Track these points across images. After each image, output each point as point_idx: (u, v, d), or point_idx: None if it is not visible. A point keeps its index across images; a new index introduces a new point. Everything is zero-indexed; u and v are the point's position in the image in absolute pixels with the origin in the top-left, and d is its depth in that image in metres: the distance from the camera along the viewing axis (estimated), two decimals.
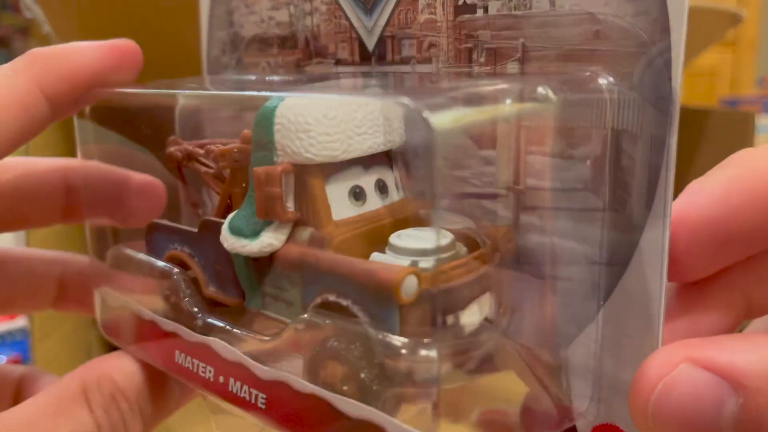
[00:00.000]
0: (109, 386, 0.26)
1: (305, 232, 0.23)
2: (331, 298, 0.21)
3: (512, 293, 0.23)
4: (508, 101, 0.20)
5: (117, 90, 0.28)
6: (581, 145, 0.22)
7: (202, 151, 0.28)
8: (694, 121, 0.47)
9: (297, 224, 0.23)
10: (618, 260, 0.22)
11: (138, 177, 0.31)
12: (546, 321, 0.24)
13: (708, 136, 0.45)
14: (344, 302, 0.21)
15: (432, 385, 0.19)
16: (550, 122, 0.22)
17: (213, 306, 0.27)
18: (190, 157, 0.29)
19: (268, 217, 0.22)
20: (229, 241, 0.23)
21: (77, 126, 0.29)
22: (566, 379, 0.24)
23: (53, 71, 0.26)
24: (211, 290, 0.26)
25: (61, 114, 0.28)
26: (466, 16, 0.24)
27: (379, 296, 0.20)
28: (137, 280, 0.29)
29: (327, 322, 0.21)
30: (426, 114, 0.17)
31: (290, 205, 0.23)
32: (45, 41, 0.46)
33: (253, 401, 0.23)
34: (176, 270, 0.27)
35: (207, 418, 0.29)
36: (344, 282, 0.21)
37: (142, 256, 0.29)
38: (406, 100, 0.17)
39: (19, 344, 0.59)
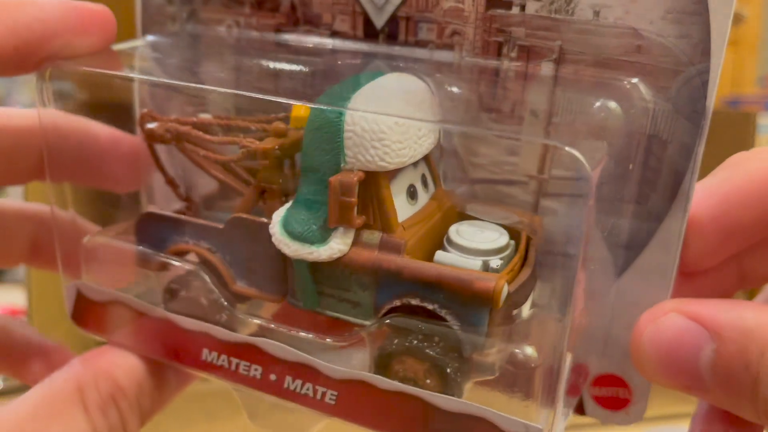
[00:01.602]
0: (108, 385, 0.25)
1: (373, 236, 0.23)
2: (414, 302, 0.22)
3: (550, 276, 0.26)
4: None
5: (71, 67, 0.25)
6: (615, 143, 0.25)
7: (206, 136, 0.26)
8: None
9: (361, 228, 0.23)
10: (636, 244, 0.26)
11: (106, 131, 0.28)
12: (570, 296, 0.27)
13: (709, 135, 0.46)
14: (430, 306, 0.22)
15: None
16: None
17: (237, 302, 0.26)
18: (178, 136, 0.26)
19: (339, 224, 0.22)
20: (291, 247, 0.23)
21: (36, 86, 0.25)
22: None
23: (2, 21, 0.23)
24: (240, 286, 0.25)
25: (6, 70, 0.24)
26: (499, 11, 0.25)
27: (475, 302, 0.22)
28: (131, 273, 0.27)
29: (409, 322, 0.22)
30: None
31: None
32: None
33: (319, 398, 0.24)
34: (194, 263, 0.26)
35: (206, 418, 0.29)
36: (432, 288, 0.22)
37: (139, 247, 0.27)
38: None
39: None
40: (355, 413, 0.23)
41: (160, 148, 0.28)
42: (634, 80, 0.24)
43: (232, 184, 0.26)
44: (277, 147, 0.24)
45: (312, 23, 0.28)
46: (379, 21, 0.27)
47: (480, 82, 0.26)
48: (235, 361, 0.25)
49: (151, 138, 0.27)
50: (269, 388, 0.25)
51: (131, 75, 0.27)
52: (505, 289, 0.21)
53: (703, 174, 0.25)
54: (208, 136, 0.26)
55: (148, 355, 0.26)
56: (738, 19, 0.47)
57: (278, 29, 0.29)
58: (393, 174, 0.23)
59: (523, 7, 0.25)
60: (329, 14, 0.28)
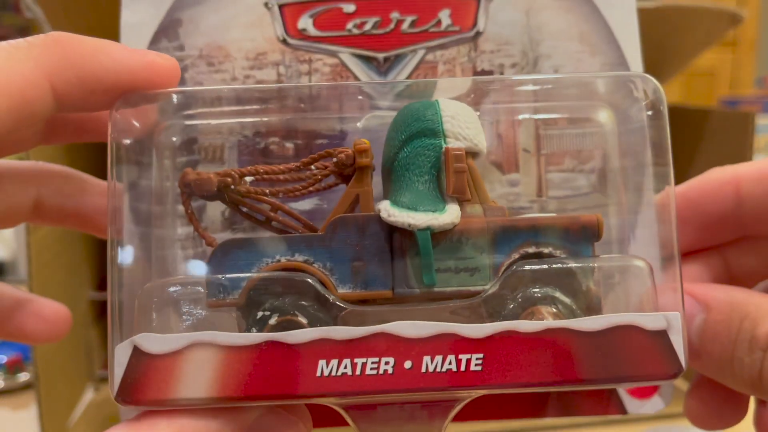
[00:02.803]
0: None
1: (476, 207, 0.26)
2: (531, 249, 0.25)
3: None
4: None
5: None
6: (589, 161, 0.32)
7: (279, 167, 0.27)
8: (693, 120, 0.49)
9: (463, 203, 0.26)
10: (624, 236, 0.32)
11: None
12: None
13: (708, 136, 0.46)
14: (546, 249, 0.25)
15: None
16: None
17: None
18: (241, 176, 0.27)
19: (457, 192, 0.25)
20: (415, 218, 0.24)
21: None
22: None
23: (71, 66, 0.23)
24: (343, 292, 0.25)
25: (68, 109, 0.24)
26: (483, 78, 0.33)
27: (583, 235, 0.25)
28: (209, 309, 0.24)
29: (525, 269, 0.25)
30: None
31: None
32: None
33: (463, 368, 0.23)
34: (298, 274, 0.25)
35: None
36: (545, 232, 0.25)
37: (219, 277, 0.25)
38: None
39: (19, 344, 0.60)
40: (505, 371, 0.23)
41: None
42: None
43: (288, 226, 0.27)
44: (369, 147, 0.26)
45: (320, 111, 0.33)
46: (384, 103, 0.33)
47: None
48: (360, 361, 0.23)
49: (201, 189, 0.27)
50: (405, 382, 0.23)
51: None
52: (603, 222, 0.26)
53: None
54: (279, 167, 0.27)
55: (244, 401, 0.23)
56: (736, 20, 0.49)
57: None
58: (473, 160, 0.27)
59: (501, 74, 0.33)
60: (337, 103, 0.33)
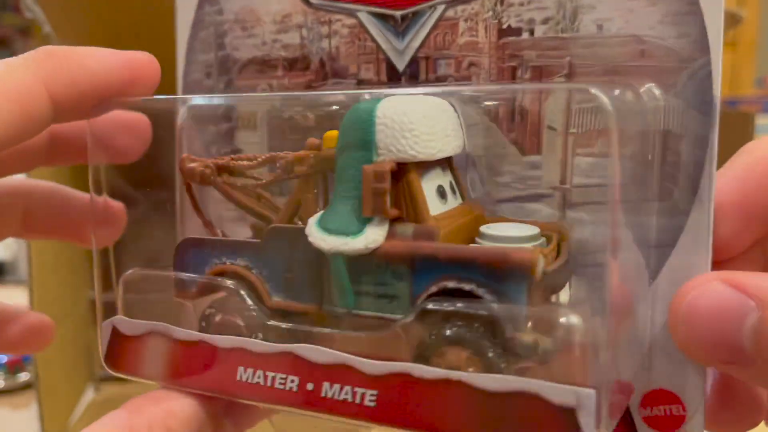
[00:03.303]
0: None
1: (407, 227, 0.23)
2: (451, 284, 0.22)
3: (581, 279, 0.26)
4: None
5: (131, 101, 0.27)
6: (630, 144, 0.26)
7: (246, 162, 0.27)
8: None
9: (393, 222, 0.24)
10: (666, 243, 0.26)
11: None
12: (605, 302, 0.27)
13: None
14: (467, 286, 0.22)
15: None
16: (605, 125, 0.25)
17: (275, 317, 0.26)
18: (218, 169, 0.28)
19: (374, 213, 0.23)
20: (326, 241, 0.23)
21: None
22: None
23: (64, 73, 0.25)
24: (276, 300, 0.26)
25: (64, 118, 0.26)
26: (511, 38, 0.28)
27: (511, 275, 0.22)
28: (169, 301, 0.27)
29: (445, 306, 0.22)
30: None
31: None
32: (45, 42, 0.42)
33: (358, 401, 0.23)
34: (231, 282, 0.26)
35: None
36: (468, 267, 0.22)
37: (174, 274, 0.27)
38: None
39: None
40: (398, 412, 0.22)
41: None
42: (641, 81, 0.25)
43: (266, 215, 0.27)
44: (311, 155, 0.25)
45: (339, 75, 0.31)
46: (401, 64, 0.30)
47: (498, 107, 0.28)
48: (270, 374, 0.24)
49: (191, 177, 0.28)
50: (307, 401, 0.24)
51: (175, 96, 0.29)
52: (541, 261, 0.22)
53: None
54: (246, 162, 0.27)
55: (186, 387, 0.26)
56: (736, 20, 0.47)
57: (309, 85, 0.32)
58: (422, 169, 0.24)
59: (532, 32, 0.27)
60: (355, 65, 0.31)
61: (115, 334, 0.28)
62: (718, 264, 0.26)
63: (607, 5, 0.26)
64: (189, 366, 0.26)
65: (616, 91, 0.24)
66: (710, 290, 0.21)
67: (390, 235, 0.23)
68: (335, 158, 0.24)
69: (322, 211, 0.24)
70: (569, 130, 0.27)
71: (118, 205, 0.30)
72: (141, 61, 0.27)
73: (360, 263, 0.24)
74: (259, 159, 0.26)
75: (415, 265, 0.23)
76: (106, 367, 0.28)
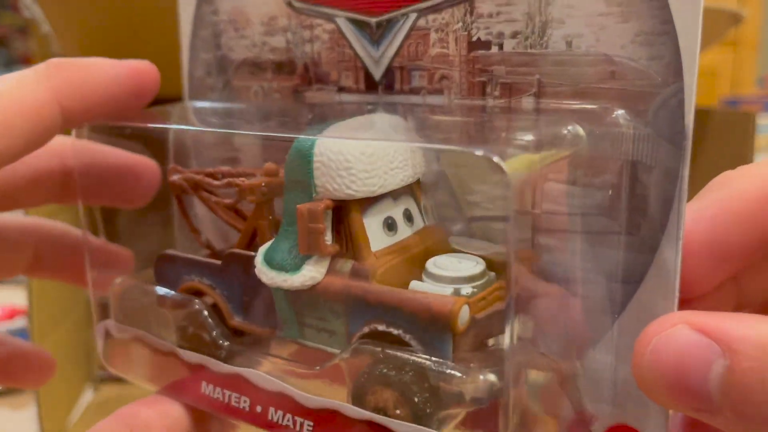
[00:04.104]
0: None
1: (346, 265, 0.23)
2: (381, 328, 0.22)
3: (538, 311, 0.25)
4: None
5: (130, 121, 0.28)
6: (600, 174, 0.24)
7: (214, 181, 0.28)
8: (694, 120, 0.45)
9: (335, 256, 0.24)
10: (633, 278, 0.24)
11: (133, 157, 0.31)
12: (565, 335, 0.26)
13: (709, 135, 0.44)
14: (395, 331, 0.22)
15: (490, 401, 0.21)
16: (576, 155, 0.24)
17: (236, 336, 0.27)
18: (197, 186, 0.29)
19: (310, 251, 0.23)
20: (268, 275, 0.24)
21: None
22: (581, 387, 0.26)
23: (72, 84, 0.26)
24: (236, 321, 0.27)
25: (72, 125, 0.27)
26: (480, 52, 0.26)
27: (434, 326, 0.21)
28: (149, 311, 0.29)
29: (377, 349, 0.22)
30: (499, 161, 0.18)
31: (329, 239, 0.23)
32: (44, 41, 0.45)
33: (297, 428, 0.24)
34: (197, 301, 0.27)
35: None
36: (395, 313, 0.22)
37: (154, 287, 0.29)
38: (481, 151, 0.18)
39: None
40: None
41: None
42: (610, 106, 0.23)
43: (239, 228, 0.28)
44: (263, 184, 0.25)
45: (322, 81, 0.30)
46: (377, 73, 0.29)
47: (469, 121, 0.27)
48: (227, 393, 0.26)
49: (175, 189, 0.29)
50: (257, 420, 0.25)
51: (163, 126, 0.30)
52: (464, 312, 0.21)
53: (699, 179, 0.23)
54: (214, 182, 0.28)
55: (164, 391, 0.28)
56: (737, 19, 0.45)
57: (296, 90, 0.31)
58: (367, 204, 0.24)
59: (501, 46, 0.25)
60: (336, 72, 0.30)
61: (108, 335, 0.30)
62: (686, 303, 0.24)
63: (577, 20, 0.24)
64: (165, 373, 0.28)
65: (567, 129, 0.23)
66: (675, 335, 0.20)
67: (330, 271, 0.24)
68: (284, 186, 0.24)
69: (270, 242, 0.25)
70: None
71: (126, 252, 0.31)
72: (144, 70, 0.28)
73: (301, 297, 0.24)
74: (222, 182, 0.27)
75: (350, 305, 0.23)
76: (105, 364, 0.31)
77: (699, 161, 0.47)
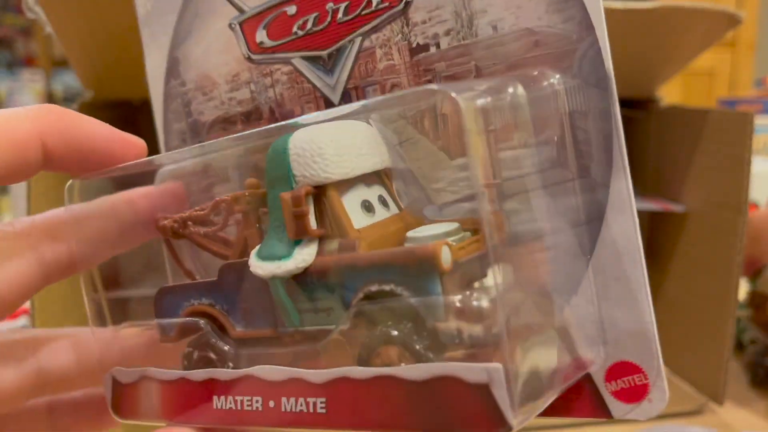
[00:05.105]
0: None
1: (333, 243, 0.25)
2: (374, 288, 0.24)
3: (516, 267, 0.27)
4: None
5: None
6: (544, 131, 0.27)
7: (197, 212, 0.30)
8: (692, 121, 0.46)
9: (322, 239, 0.26)
10: (594, 216, 0.26)
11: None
12: (545, 286, 0.27)
13: (707, 135, 0.44)
14: (387, 287, 0.24)
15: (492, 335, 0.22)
16: (519, 117, 0.26)
17: (241, 347, 0.28)
18: (184, 223, 0.31)
19: (298, 236, 0.25)
20: (263, 267, 0.26)
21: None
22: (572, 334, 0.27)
23: (59, 130, 0.28)
24: (239, 330, 0.28)
25: (54, 168, 0.29)
26: (422, 55, 0.29)
27: (421, 269, 0.23)
28: (151, 348, 0.30)
29: (373, 308, 0.24)
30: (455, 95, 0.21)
31: (313, 224, 0.25)
32: (46, 42, 0.46)
33: (311, 410, 0.25)
34: (197, 320, 0.28)
35: None
36: (384, 269, 0.24)
37: (154, 321, 0.30)
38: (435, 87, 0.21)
39: None
40: (345, 414, 0.24)
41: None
42: (540, 69, 0.27)
43: (229, 256, 0.30)
44: (247, 193, 0.27)
45: (287, 118, 0.34)
46: (336, 98, 0.32)
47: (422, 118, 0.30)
48: (239, 398, 0.27)
49: (165, 233, 0.31)
50: (272, 418, 0.26)
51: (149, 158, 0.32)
52: (446, 252, 0.23)
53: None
54: (201, 212, 0.30)
55: (176, 419, 0.28)
56: (735, 21, 0.47)
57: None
58: (343, 187, 0.26)
59: (438, 45, 0.29)
60: (298, 106, 0.33)
61: (116, 383, 0.31)
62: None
63: (497, 7, 0.27)
64: (175, 402, 0.28)
65: (510, 89, 0.26)
66: None
67: (319, 253, 0.25)
68: (267, 196, 0.27)
69: (260, 244, 0.27)
70: (488, 128, 0.28)
71: None
72: (134, 144, 0.30)
73: (296, 283, 0.26)
74: (209, 206, 0.29)
75: (342, 277, 0.25)
76: (114, 416, 0.31)
77: (697, 161, 0.49)
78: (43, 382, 0.31)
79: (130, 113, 0.57)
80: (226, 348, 0.28)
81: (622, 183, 0.26)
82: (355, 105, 0.27)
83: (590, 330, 0.27)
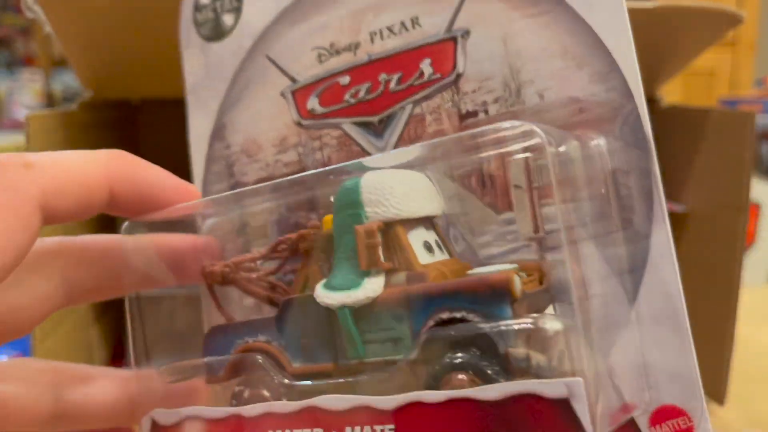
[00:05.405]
0: None
1: (400, 276, 0.27)
2: (444, 315, 0.25)
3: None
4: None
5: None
6: (589, 187, 0.30)
7: (249, 257, 0.31)
8: (692, 121, 0.47)
9: (389, 272, 0.27)
10: (637, 266, 0.29)
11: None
12: (591, 333, 0.29)
13: (707, 135, 0.44)
14: (458, 314, 0.25)
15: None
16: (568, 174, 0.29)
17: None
18: (236, 267, 0.32)
19: (369, 266, 0.27)
20: (332, 297, 0.27)
21: None
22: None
23: (126, 175, 0.29)
24: (296, 366, 0.28)
25: (114, 211, 0.30)
26: (470, 120, 0.32)
27: (494, 296, 0.25)
28: (199, 387, 0.30)
29: (444, 334, 0.25)
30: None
31: (382, 257, 0.27)
32: (46, 42, 0.45)
33: None
34: (250, 355, 0.29)
35: None
36: (455, 297, 0.25)
37: (206, 359, 0.30)
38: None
39: (19, 344, 0.56)
40: None
41: None
42: (584, 131, 0.30)
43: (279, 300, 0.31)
44: (312, 232, 0.29)
45: None
46: None
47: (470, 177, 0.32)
48: (298, 431, 0.27)
49: (213, 279, 0.32)
50: None
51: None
52: (518, 280, 0.25)
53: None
54: (256, 254, 0.31)
55: None
56: (736, 20, 0.49)
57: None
58: (407, 227, 0.28)
59: (486, 112, 0.32)
60: None
61: (154, 426, 0.30)
62: None
63: (543, 77, 0.31)
64: None
65: (562, 148, 0.29)
66: None
67: (387, 284, 0.27)
68: (333, 233, 0.28)
69: (322, 280, 0.28)
70: (533, 185, 0.31)
71: None
72: (190, 192, 0.31)
73: (364, 313, 0.27)
74: (268, 248, 0.30)
75: (411, 306, 0.26)
76: None
77: (697, 161, 0.49)
78: (62, 413, 0.30)
79: (129, 113, 0.57)
80: (285, 381, 0.28)
81: (663, 234, 0.28)
82: (418, 145, 0.29)
83: (634, 374, 0.28)
